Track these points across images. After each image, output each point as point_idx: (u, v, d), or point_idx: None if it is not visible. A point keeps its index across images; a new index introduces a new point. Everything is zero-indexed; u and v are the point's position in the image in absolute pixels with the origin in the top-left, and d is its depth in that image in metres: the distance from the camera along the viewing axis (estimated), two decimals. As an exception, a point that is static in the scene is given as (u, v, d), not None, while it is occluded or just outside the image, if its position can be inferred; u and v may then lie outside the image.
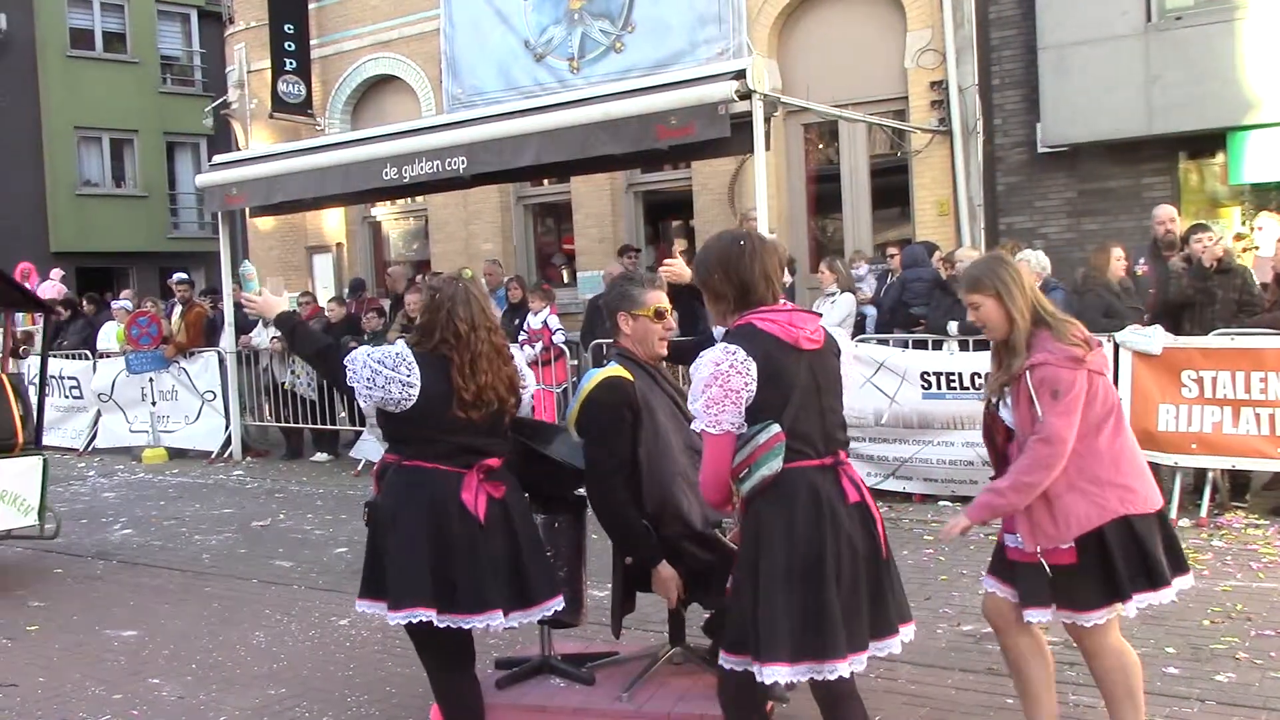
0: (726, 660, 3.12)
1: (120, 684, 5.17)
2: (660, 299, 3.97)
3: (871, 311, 10.23)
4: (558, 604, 3.78)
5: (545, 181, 14.23)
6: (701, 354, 3.08)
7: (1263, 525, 7.16)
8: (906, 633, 3.17)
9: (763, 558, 3.01)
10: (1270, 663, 4.70)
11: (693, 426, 3.10)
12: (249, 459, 12.45)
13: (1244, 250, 8.79)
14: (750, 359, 2.99)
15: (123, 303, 14.28)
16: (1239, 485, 7.75)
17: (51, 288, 16.29)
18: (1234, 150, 10.31)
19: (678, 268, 4.09)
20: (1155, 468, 5.81)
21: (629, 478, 3.85)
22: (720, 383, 2.99)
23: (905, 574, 6.39)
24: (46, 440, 12.85)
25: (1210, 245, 7.67)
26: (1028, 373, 3.32)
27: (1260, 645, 4.92)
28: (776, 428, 2.99)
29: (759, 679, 2.98)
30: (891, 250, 10.88)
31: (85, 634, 6.01)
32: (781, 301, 3.19)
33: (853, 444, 8.28)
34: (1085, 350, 3.34)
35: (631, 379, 3.90)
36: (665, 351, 4.01)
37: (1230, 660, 4.73)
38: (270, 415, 12.63)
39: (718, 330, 3.55)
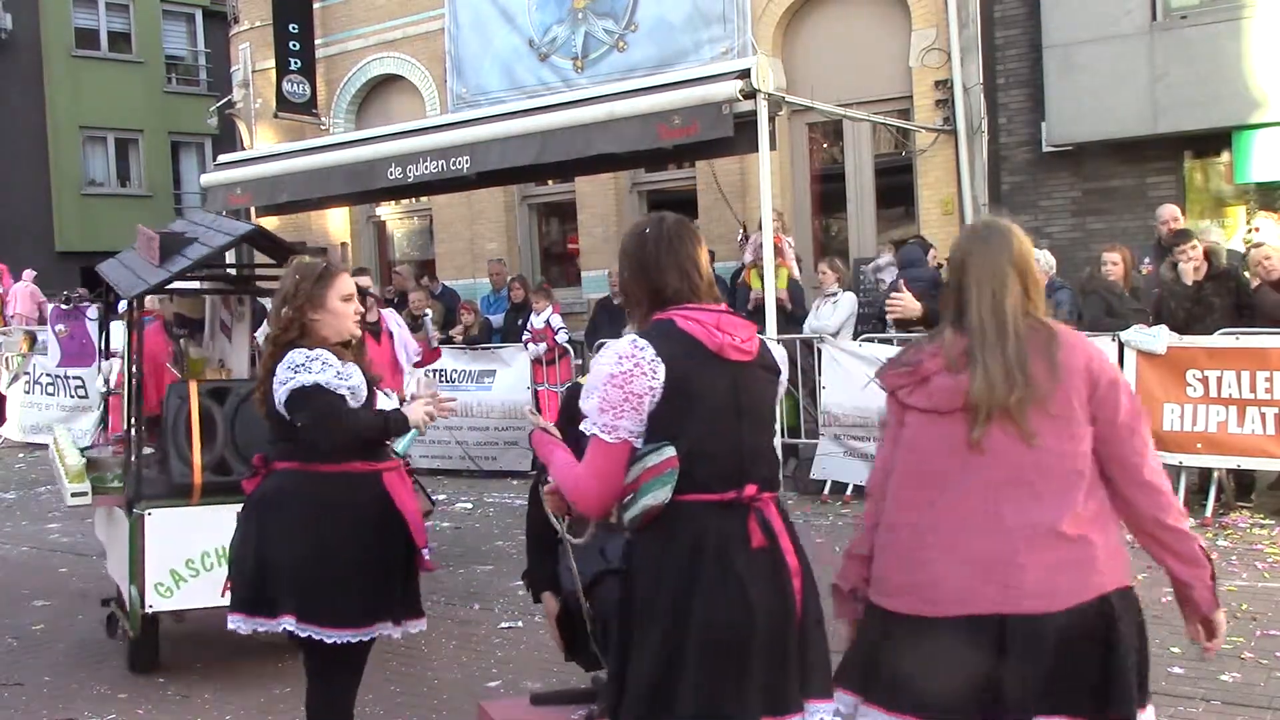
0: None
1: (124, 683, 5.17)
2: None
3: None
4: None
5: (549, 181, 14.23)
6: (606, 343, 2.68)
7: (1268, 525, 7.14)
8: (817, 710, 2.58)
9: (631, 603, 2.60)
10: (1275, 662, 4.69)
11: (581, 427, 2.62)
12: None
13: (1247, 251, 8.76)
14: (659, 360, 2.53)
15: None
16: (1244, 485, 7.74)
17: (24, 289, 16.27)
18: (1239, 149, 10.28)
19: (905, 302, 3.76)
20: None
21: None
22: (620, 383, 2.53)
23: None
24: (49, 440, 12.96)
25: (1194, 257, 7.61)
26: None
27: (1266, 645, 4.91)
28: (671, 450, 2.51)
29: None
30: (881, 248, 10.93)
31: (90, 633, 6.02)
32: (716, 301, 2.72)
33: (857, 444, 8.45)
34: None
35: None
36: None
37: (1236, 660, 4.72)
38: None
39: None
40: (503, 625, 5.86)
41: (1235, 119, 10.14)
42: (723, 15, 12.70)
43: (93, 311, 6.24)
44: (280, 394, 3.42)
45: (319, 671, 3.57)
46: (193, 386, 5.25)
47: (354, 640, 3.47)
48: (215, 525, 4.86)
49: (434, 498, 7.68)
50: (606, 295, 11.37)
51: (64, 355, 8.55)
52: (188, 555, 5.04)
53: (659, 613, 2.52)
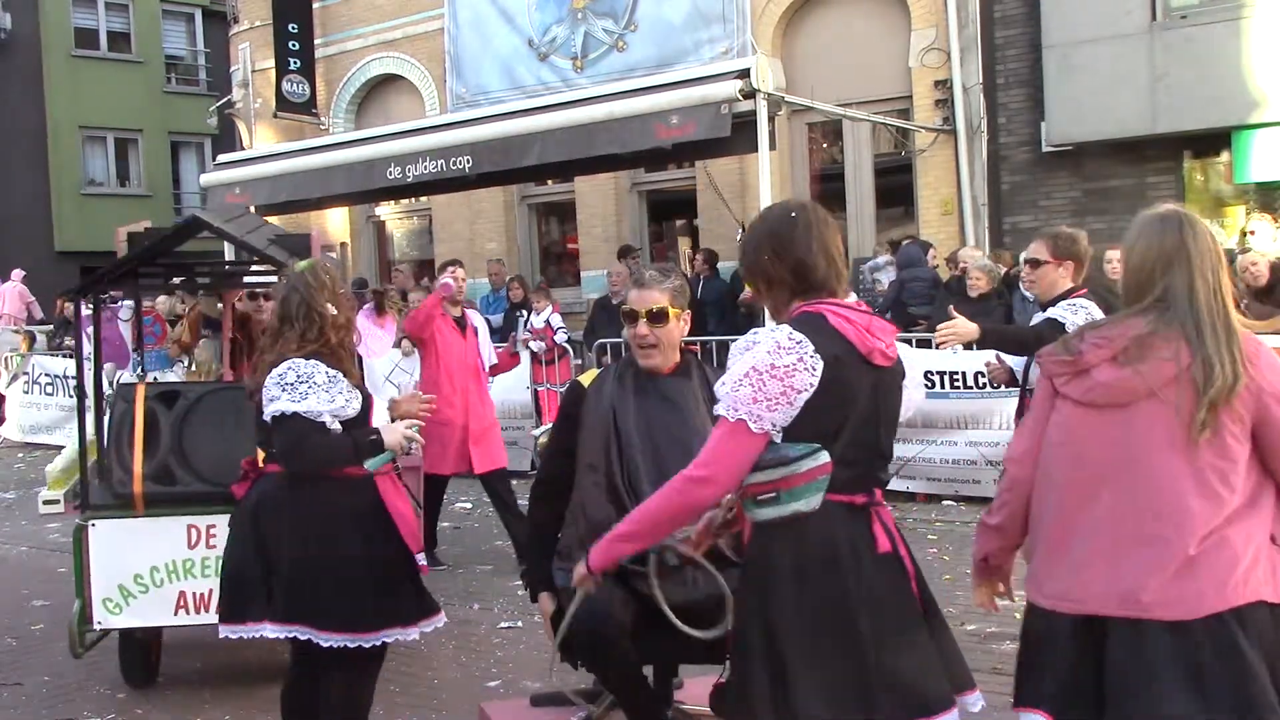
0: None
1: (124, 683, 5.16)
2: (641, 299, 3.46)
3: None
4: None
5: (549, 181, 14.23)
6: (757, 332, 2.54)
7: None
8: (970, 703, 2.56)
9: (772, 609, 2.48)
10: None
11: (719, 410, 2.50)
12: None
13: (1243, 251, 8.76)
14: (818, 357, 2.44)
15: (127, 302, 14.28)
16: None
17: (12, 289, 16.22)
18: (1239, 149, 10.28)
19: (959, 329, 3.65)
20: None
21: (557, 492, 3.57)
22: (782, 375, 2.42)
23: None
24: (49, 440, 12.99)
25: None
26: None
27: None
28: (825, 457, 2.45)
29: None
30: (877, 249, 10.93)
31: (89, 633, 6.01)
32: (852, 299, 2.67)
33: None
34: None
35: (584, 384, 3.62)
36: (651, 363, 3.51)
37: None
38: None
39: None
40: (502, 625, 5.86)
41: (1235, 119, 10.14)
42: (722, 15, 12.70)
43: (125, 312, 6.14)
44: (266, 411, 3.47)
45: (314, 674, 3.58)
46: (140, 390, 4.92)
47: (355, 645, 3.47)
48: (162, 538, 4.67)
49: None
50: (605, 295, 11.37)
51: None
52: (136, 570, 4.71)
53: (804, 615, 2.45)
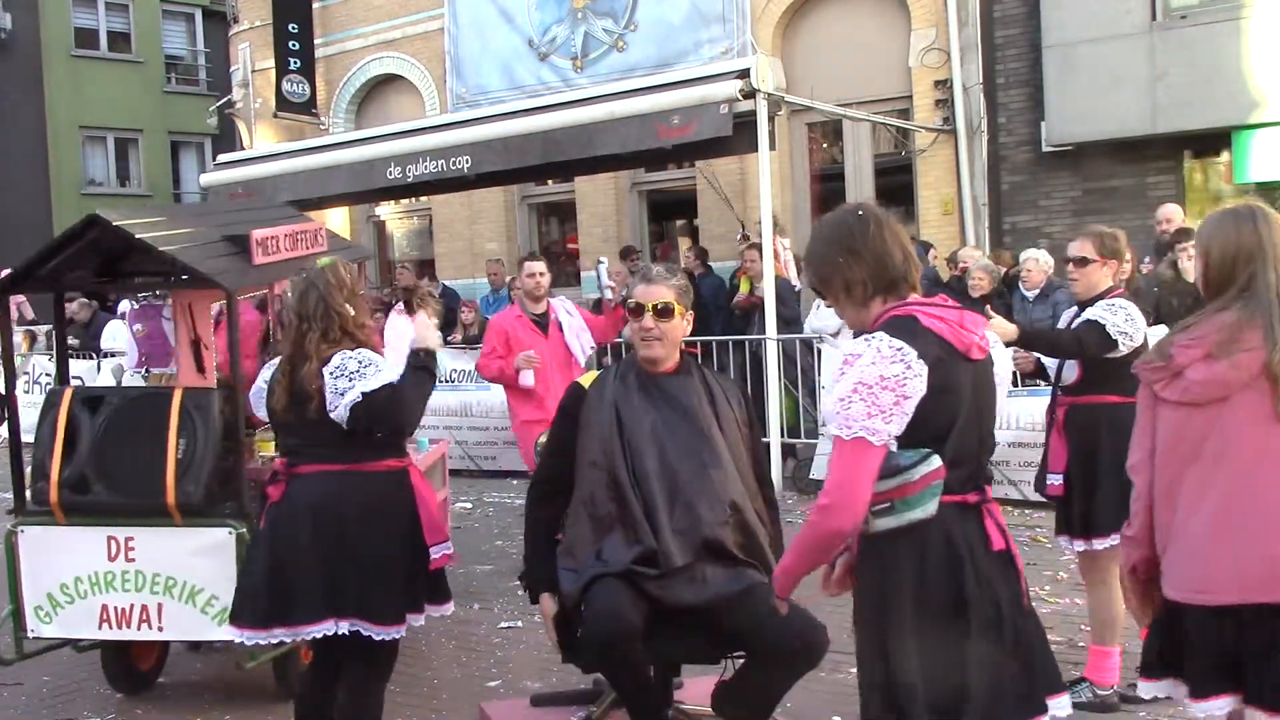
0: None
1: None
2: (647, 293, 3.54)
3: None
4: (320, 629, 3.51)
5: (549, 181, 14.24)
6: (855, 344, 2.50)
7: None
8: (1058, 706, 2.53)
9: (891, 611, 2.46)
10: None
11: (834, 432, 2.44)
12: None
13: None
14: (923, 361, 2.40)
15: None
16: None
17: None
18: (1239, 149, 10.28)
19: (996, 326, 3.53)
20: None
21: (557, 491, 3.63)
22: (893, 385, 2.38)
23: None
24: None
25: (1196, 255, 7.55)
26: None
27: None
28: (938, 461, 2.42)
29: None
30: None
31: (90, 633, 6.01)
32: (939, 296, 2.64)
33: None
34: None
35: (584, 385, 3.66)
36: (653, 353, 3.57)
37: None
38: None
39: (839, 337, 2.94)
40: (502, 625, 5.86)
41: (1235, 119, 10.14)
42: (722, 15, 12.71)
43: (167, 310, 5.88)
44: (343, 407, 3.48)
45: (335, 674, 3.63)
46: (67, 393, 4.66)
47: (394, 637, 3.56)
48: (82, 549, 4.48)
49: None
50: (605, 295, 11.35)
51: (142, 356, 8.37)
52: (62, 579, 4.53)
53: (924, 620, 2.43)
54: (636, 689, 3.47)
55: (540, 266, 6.82)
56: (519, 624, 5.83)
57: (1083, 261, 4.48)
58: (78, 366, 13.81)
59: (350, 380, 3.46)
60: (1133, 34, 10.47)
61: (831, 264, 2.57)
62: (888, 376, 2.38)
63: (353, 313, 3.59)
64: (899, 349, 2.40)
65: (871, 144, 12.49)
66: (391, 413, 3.49)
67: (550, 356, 6.60)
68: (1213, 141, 10.55)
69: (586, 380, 3.69)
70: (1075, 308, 4.58)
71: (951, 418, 2.44)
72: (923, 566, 2.43)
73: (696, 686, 3.85)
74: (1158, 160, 10.79)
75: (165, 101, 25.64)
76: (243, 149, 15.99)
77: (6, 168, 23.34)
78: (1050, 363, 4.68)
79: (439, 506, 3.83)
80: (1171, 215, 8.65)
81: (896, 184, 12.36)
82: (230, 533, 4.37)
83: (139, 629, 4.48)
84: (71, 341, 14.48)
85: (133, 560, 4.47)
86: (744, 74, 8.61)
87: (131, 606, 4.46)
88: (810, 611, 3.36)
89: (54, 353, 5.66)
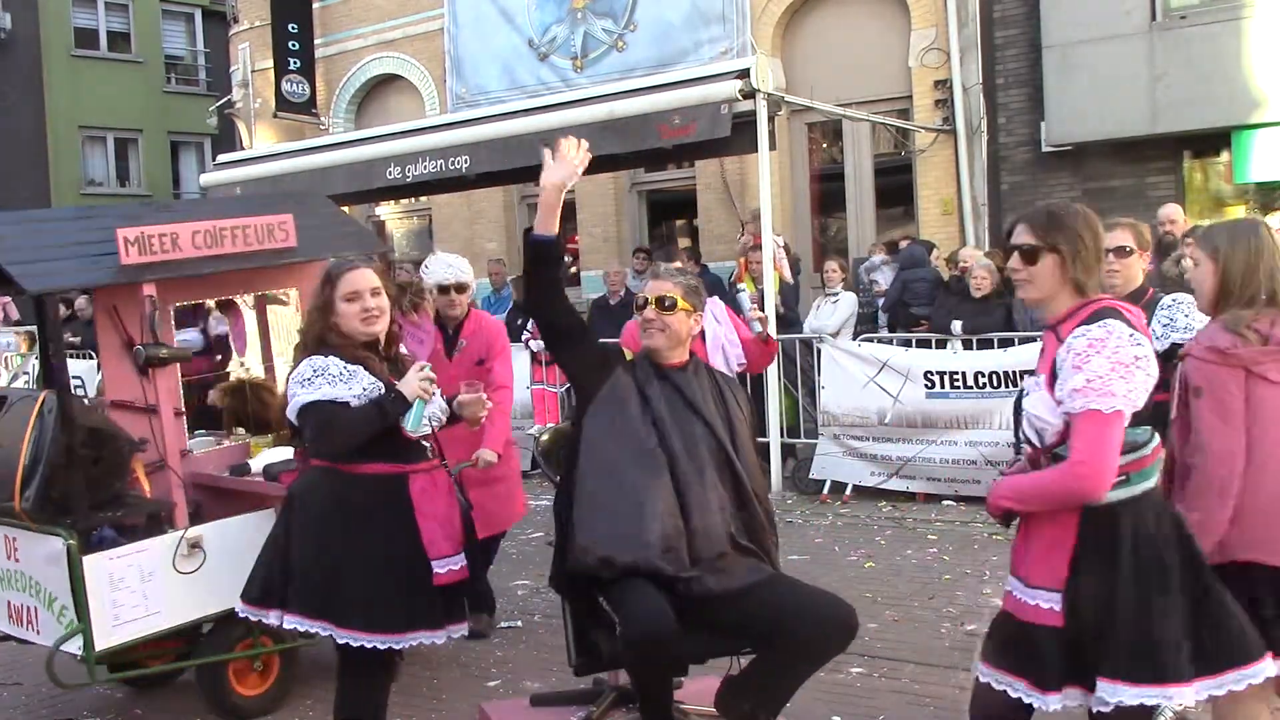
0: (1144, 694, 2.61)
1: (123, 683, 5.16)
2: (653, 288, 3.64)
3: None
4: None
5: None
6: (1093, 330, 2.66)
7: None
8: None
9: (1121, 577, 2.63)
10: None
11: (1090, 405, 2.61)
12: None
13: None
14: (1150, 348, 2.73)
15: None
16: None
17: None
18: (1239, 149, 10.29)
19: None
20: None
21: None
22: (1145, 366, 2.66)
23: (909, 573, 6.46)
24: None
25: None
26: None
27: None
28: (1158, 439, 2.73)
29: (1164, 704, 2.58)
30: (873, 248, 10.93)
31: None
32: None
33: (855, 443, 8.45)
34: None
35: (621, 354, 3.70)
36: (654, 343, 3.63)
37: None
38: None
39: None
40: (502, 625, 5.85)
41: (1234, 119, 10.15)
42: (722, 15, 12.71)
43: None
44: (290, 407, 3.54)
45: (351, 678, 3.59)
46: None
47: (373, 645, 3.45)
48: None
49: None
50: (603, 295, 11.36)
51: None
52: None
53: (1175, 575, 2.64)
54: (662, 690, 3.47)
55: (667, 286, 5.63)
56: (519, 624, 5.83)
57: (1125, 251, 4.23)
58: (76, 366, 13.80)
59: (302, 386, 3.46)
60: (1132, 34, 10.48)
61: (1076, 233, 2.77)
62: (1140, 358, 2.64)
63: (335, 320, 3.56)
64: (1136, 336, 2.66)
65: (871, 144, 12.50)
66: (323, 429, 3.46)
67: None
68: (1212, 141, 10.56)
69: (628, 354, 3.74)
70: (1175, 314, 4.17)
71: (1151, 400, 2.71)
72: (1144, 531, 2.65)
73: (696, 686, 3.85)
74: (1157, 160, 10.80)
75: (165, 101, 25.65)
76: (242, 149, 16.00)
77: (6, 168, 23.33)
78: None
79: (451, 520, 3.71)
80: (1174, 216, 8.65)
81: (896, 184, 12.37)
82: (63, 543, 4.13)
83: (26, 629, 4.44)
84: (74, 340, 14.51)
85: (18, 561, 4.41)
86: (744, 74, 8.61)
87: (25, 607, 4.40)
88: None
89: (38, 353, 5.55)
